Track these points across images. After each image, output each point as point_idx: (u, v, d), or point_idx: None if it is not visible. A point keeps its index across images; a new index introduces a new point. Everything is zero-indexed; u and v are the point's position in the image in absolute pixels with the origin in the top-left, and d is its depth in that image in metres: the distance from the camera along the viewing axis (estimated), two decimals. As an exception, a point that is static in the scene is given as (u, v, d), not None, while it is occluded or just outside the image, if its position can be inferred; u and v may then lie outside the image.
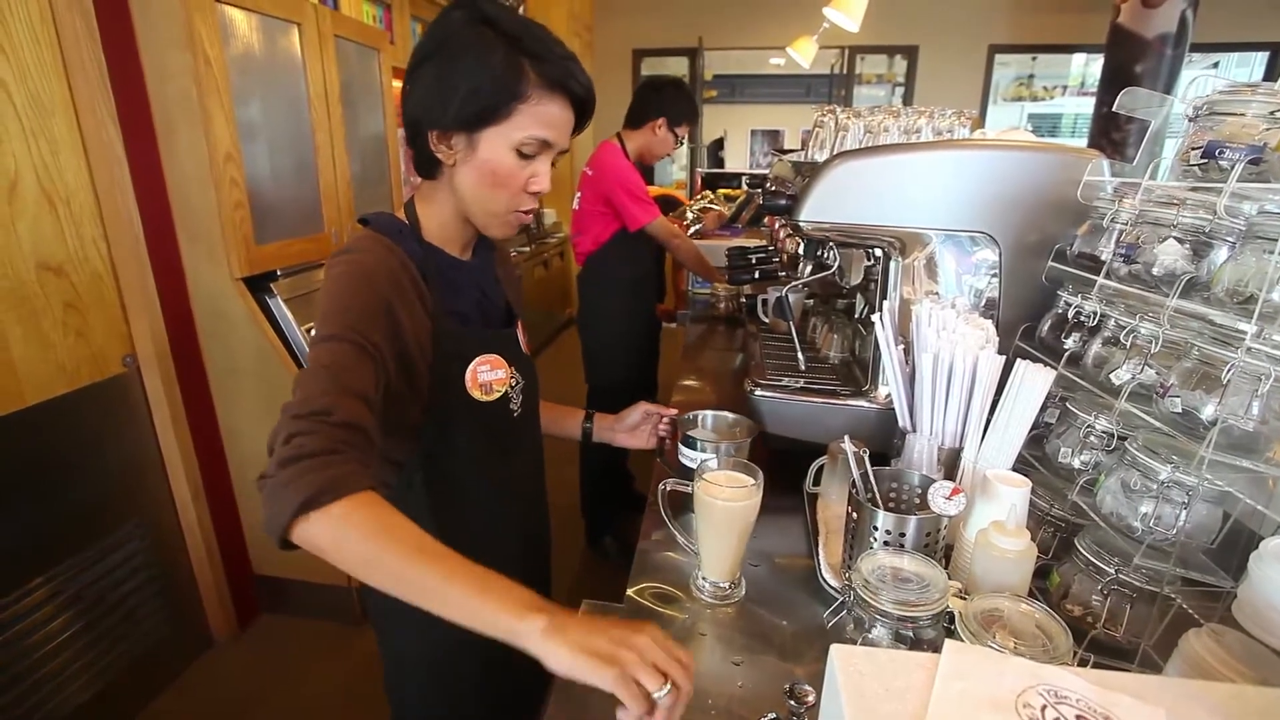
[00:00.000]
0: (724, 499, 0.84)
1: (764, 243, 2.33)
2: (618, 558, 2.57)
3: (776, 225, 1.62)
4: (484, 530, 0.95)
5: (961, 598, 0.68)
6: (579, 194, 2.41)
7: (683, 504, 0.95)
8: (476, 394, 0.88)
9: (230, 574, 2.13)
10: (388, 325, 0.76)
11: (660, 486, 0.93)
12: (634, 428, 1.09)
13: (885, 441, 1.03)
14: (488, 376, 0.89)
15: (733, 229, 3.28)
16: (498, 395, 0.91)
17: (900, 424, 0.97)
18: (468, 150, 0.81)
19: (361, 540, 0.61)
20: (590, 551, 2.69)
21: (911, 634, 0.65)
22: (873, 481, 0.85)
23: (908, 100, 5.40)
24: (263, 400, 2.01)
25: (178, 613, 1.97)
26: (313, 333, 0.78)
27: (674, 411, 1.06)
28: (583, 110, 0.83)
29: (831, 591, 0.89)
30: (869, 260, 1.21)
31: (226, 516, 2.13)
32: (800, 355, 1.26)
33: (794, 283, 1.25)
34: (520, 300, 1.06)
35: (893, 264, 1.10)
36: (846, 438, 0.87)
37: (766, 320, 1.71)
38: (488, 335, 0.91)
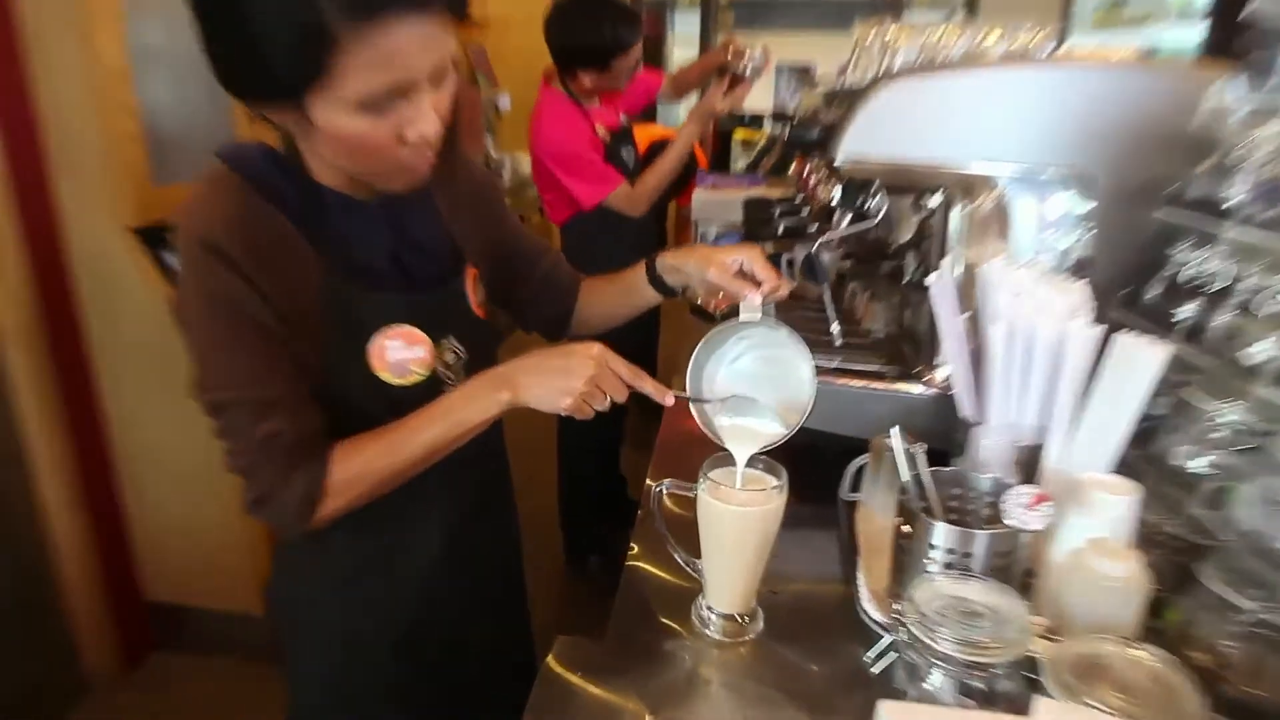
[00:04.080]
0: (737, 505, 0.84)
1: (790, 193, 2.30)
2: (604, 580, 2.58)
3: (806, 169, 1.59)
4: (421, 557, 1.00)
5: (1049, 639, 0.68)
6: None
7: (685, 515, 0.93)
8: (386, 376, 0.89)
9: (114, 601, 2.08)
10: (268, 350, 0.83)
11: (654, 489, 0.92)
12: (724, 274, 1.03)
13: (944, 436, 1.01)
14: (401, 355, 0.89)
15: (751, 178, 3.25)
16: (419, 379, 0.91)
17: (963, 413, 0.97)
18: (300, 121, 0.77)
19: (369, 479, 0.86)
20: (569, 572, 2.73)
21: (983, 686, 0.65)
22: (930, 486, 0.85)
23: (968, 30, 5.40)
24: (161, 381, 1.97)
25: (44, 651, 1.92)
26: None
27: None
28: None
29: (875, 628, 0.88)
30: (921, 210, 1.20)
31: (110, 529, 2.08)
32: (835, 327, 1.26)
33: (828, 235, 1.24)
34: (499, 225, 1.09)
35: (954, 213, 1.09)
36: (896, 430, 0.86)
37: (793, 282, 1.67)
38: (400, 301, 0.90)
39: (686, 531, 0.92)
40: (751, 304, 0.95)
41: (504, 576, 1.16)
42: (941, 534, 0.79)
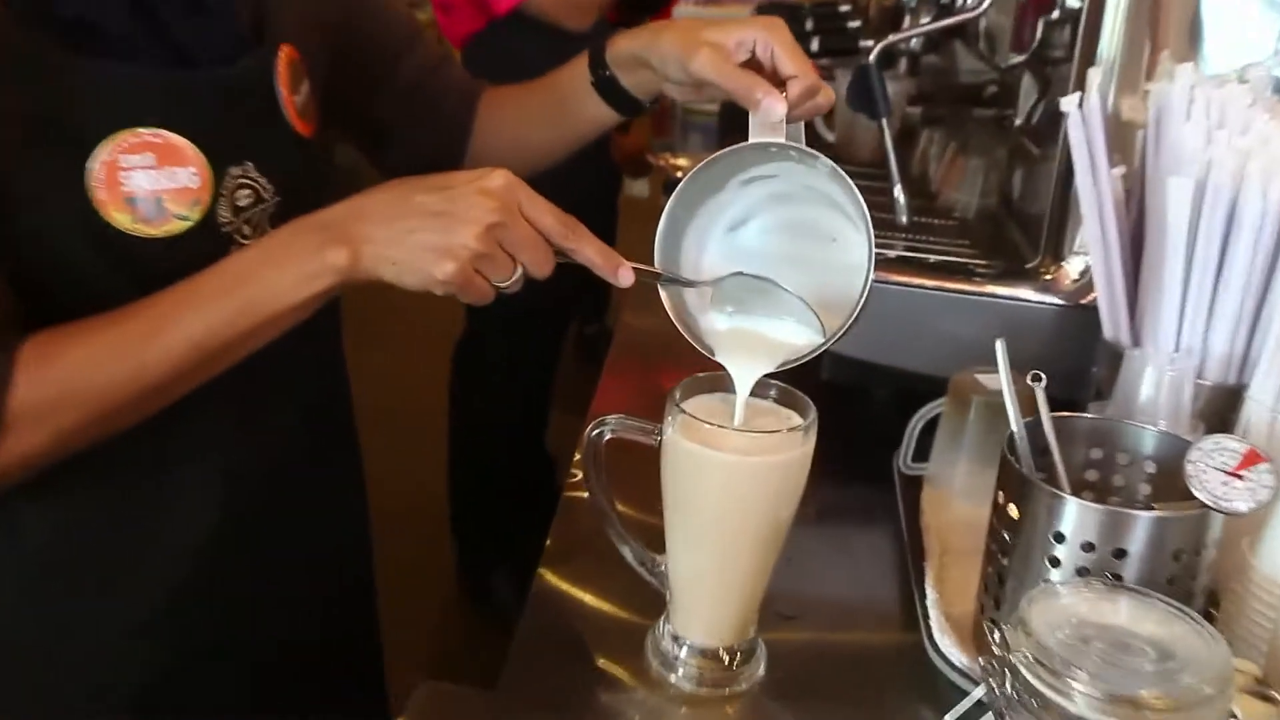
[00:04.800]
0: (733, 452, 0.81)
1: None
2: (516, 610, 2.65)
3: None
4: (187, 549, 1.00)
5: (1264, 697, 0.68)
6: None
7: (640, 476, 0.90)
8: (122, 220, 0.86)
9: None
10: None
11: (590, 434, 0.88)
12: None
13: (1073, 371, 1.04)
14: (150, 183, 0.86)
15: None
16: (183, 226, 0.89)
17: (1110, 333, 0.99)
18: None
19: (87, 402, 0.83)
20: (466, 600, 2.76)
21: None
22: (1054, 443, 0.85)
23: None
24: None
25: None
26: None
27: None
28: None
29: (954, 674, 0.88)
30: (1051, 11, 1.19)
31: None
32: (900, 198, 1.25)
33: (899, 35, 1.29)
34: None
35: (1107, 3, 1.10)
36: (1001, 349, 0.87)
37: (831, 138, 1.75)
38: (149, 84, 0.88)
39: (643, 507, 0.93)
40: (768, 116, 0.89)
41: (336, 580, 1.18)
42: (1076, 518, 0.78)
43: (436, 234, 0.81)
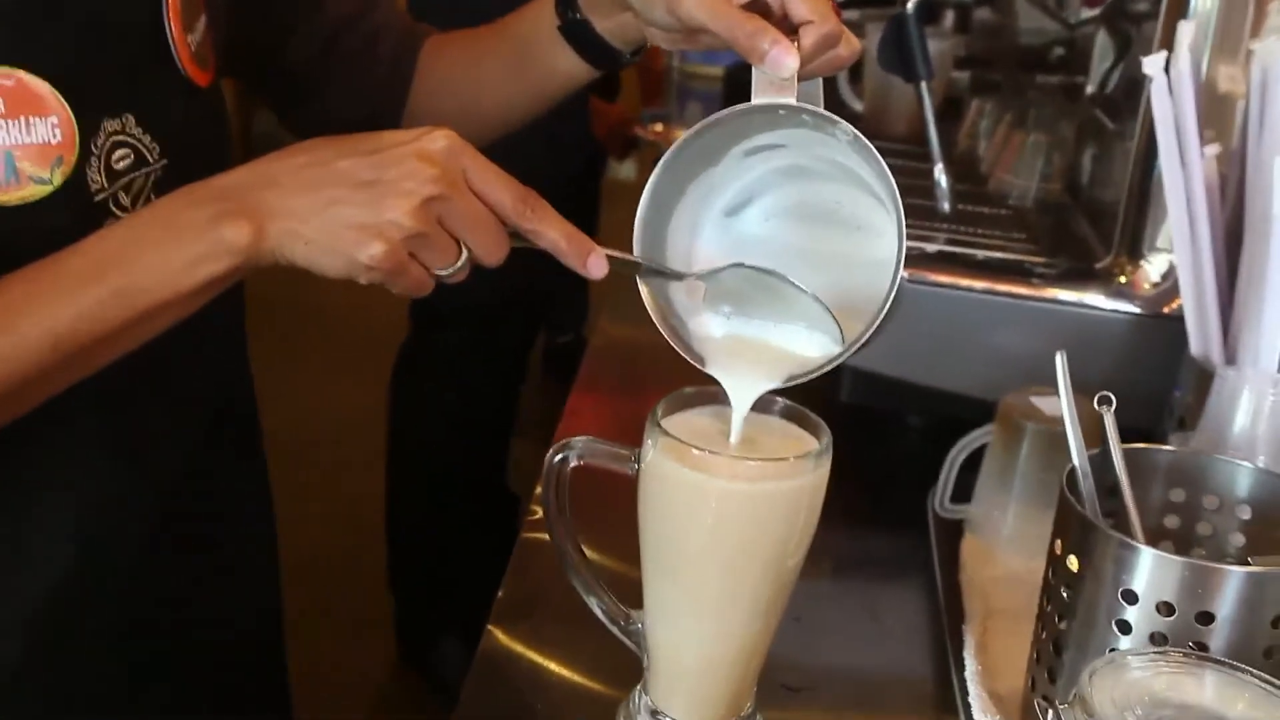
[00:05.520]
0: (729, 479, 0.81)
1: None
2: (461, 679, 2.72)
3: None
4: (43, 579, 0.99)
5: None
6: None
7: (615, 514, 0.90)
8: None
9: None
10: None
11: (552, 459, 0.88)
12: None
13: (1151, 393, 1.05)
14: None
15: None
16: (43, 192, 0.88)
17: (1196, 349, 0.99)
18: None
19: None
20: (404, 664, 2.79)
21: None
22: (1125, 483, 0.86)
23: None
24: None
25: None
26: None
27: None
28: None
29: None
30: None
31: None
32: (942, 181, 1.26)
33: None
34: None
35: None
36: (1062, 364, 0.87)
37: (858, 107, 1.77)
38: (4, 8, 0.87)
39: (617, 553, 0.94)
40: (777, 71, 0.86)
41: (233, 648, 1.18)
42: (1151, 573, 0.77)
43: (362, 208, 0.79)
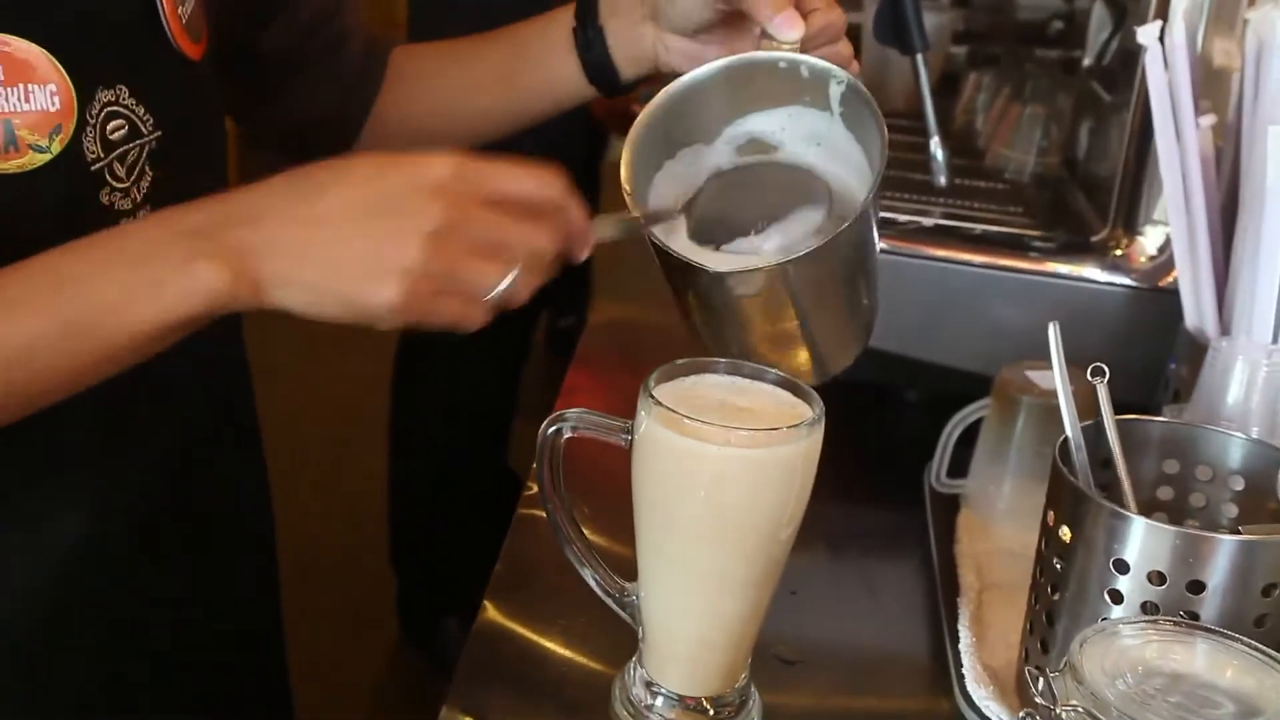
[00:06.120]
0: (721, 446, 0.80)
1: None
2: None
3: None
4: (40, 577, 0.99)
5: None
6: None
7: (611, 488, 0.91)
8: None
9: None
10: None
11: (546, 431, 0.88)
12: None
13: (1145, 365, 1.06)
14: None
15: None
16: (45, 159, 0.87)
17: (1191, 321, 1.00)
18: None
19: None
20: (406, 643, 2.82)
21: None
22: (1118, 453, 0.86)
23: None
24: None
25: None
26: None
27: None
28: None
29: None
30: None
31: None
32: (938, 154, 1.24)
33: None
34: None
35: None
36: (1055, 335, 0.88)
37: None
38: None
39: (614, 529, 0.94)
40: (783, 34, 0.92)
41: (232, 636, 1.18)
42: (1142, 542, 0.78)
43: (367, 245, 0.76)
